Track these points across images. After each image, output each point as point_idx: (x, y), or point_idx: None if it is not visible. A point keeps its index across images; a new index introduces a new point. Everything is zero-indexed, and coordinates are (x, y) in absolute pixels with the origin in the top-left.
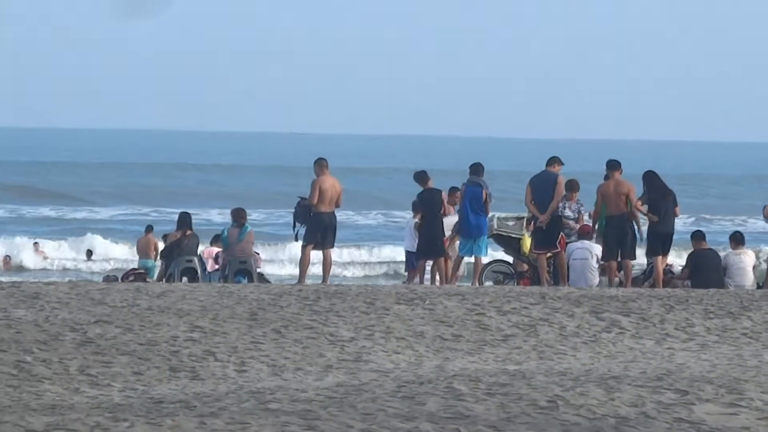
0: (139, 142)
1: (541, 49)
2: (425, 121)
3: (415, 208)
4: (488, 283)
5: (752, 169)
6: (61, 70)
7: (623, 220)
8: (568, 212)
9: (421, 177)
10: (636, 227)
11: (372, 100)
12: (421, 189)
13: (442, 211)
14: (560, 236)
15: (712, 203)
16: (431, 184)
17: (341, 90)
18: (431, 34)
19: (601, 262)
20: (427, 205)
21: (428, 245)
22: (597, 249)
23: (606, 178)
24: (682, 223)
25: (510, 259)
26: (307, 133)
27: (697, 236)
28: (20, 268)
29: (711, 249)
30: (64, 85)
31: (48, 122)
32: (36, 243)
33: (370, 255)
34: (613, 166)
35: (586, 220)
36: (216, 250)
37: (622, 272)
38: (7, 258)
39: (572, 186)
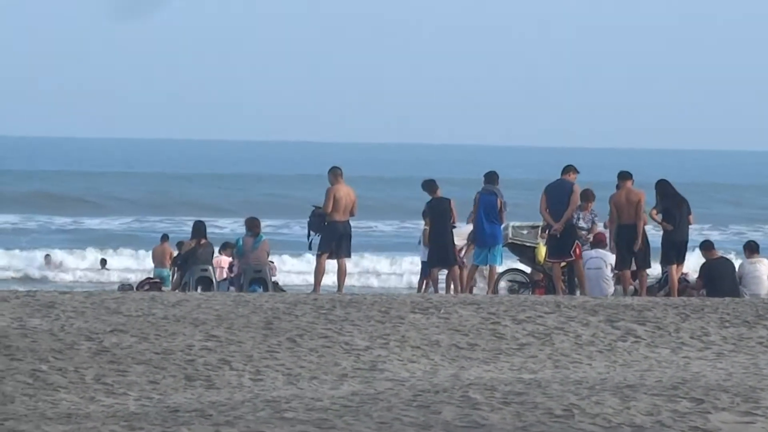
0: (153, 152)
1: (554, 54)
2: (439, 129)
3: (425, 217)
4: (503, 292)
5: (760, 178)
6: (66, 76)
7: (635, 230)
8: (581, 223)
9: (429, 186)
10: (638, 234)
11: (386, 108)
12: (429, 198)
13: (451, 220)
14: (575, 245)
15: (724, 211)
16: (440, 193)
17: (354, 98)
18: (445, 40)
19: (615, 271)
20: (436, 214)
21: (439, 254)
22: (611, 258)
23: (618, 188)
24: (699, 231)
25: (524, 268)
26: (320, 142)
27: (707, 246)
28: (37, 279)
29: (724, 257)
30: (69, 92)
31: (54, 131)
32: (47, 255)
33: (385, 264)
34: (624, 176)
35: (601, 228)
36: (226, 259)
37: (637, 281)
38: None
39: (587, 196)
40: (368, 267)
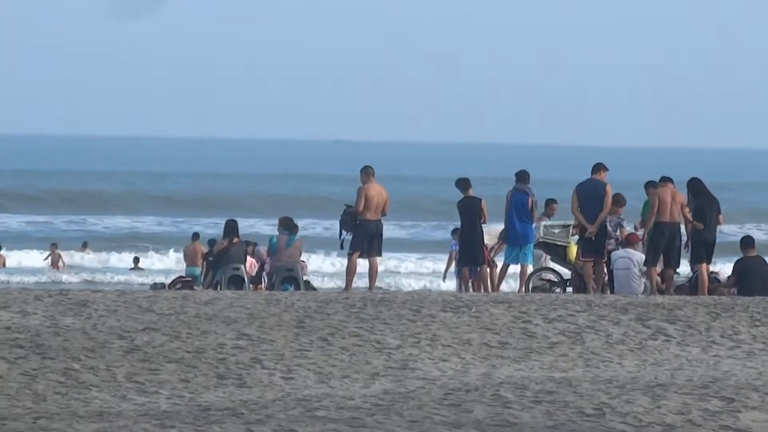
0: (186, 151)
1: (580, 55)
2: (471, 128)
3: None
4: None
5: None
6: (72, 75)
7: (676, 229)
8: (608, 228)
9: (462, 184)
10: (686, 237)
11: (418, 107)
12: (462, 196)
13: (481, 220)
14: (606, 245)
15: (750, 209)
16: (472, 192)
17: (386, 97)
18: (477, 39)
19: (643, 269)
20: (466, 213)
21: (468, 253)
22: (639, 257)
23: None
24: (737, 230)
25: (555, 266)
26: (352, 140)
27: (746, 243)
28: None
29: (758, 256)
30: (78, 91)
31: (70, 129)
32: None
33: (418, 263)
34: (666, 180)
35: (630, 230)
36: (250, 259)
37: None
38: (58, 254)
39: (618, 201)
40: (402, 266)
